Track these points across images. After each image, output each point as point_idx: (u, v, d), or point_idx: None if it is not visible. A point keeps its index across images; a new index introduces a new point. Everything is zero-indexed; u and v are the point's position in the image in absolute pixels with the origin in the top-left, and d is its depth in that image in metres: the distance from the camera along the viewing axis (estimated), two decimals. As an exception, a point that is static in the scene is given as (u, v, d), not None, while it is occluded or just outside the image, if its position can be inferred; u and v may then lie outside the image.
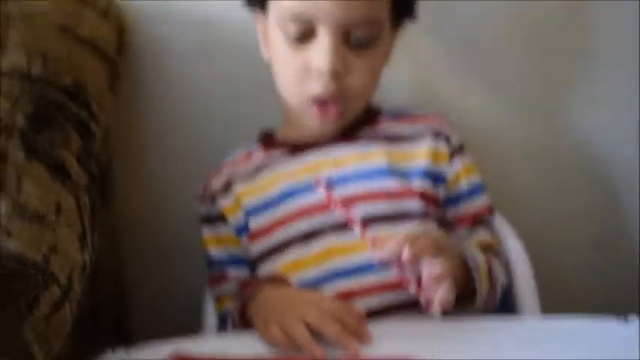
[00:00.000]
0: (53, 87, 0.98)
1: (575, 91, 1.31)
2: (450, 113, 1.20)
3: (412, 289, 0.94)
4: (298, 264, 1.04)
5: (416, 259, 0.93)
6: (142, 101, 1.28)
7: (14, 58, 0.97)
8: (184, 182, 1.24)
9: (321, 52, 1.02)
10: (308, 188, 1.06)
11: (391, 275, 0.96)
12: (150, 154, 1.31)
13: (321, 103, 1.05)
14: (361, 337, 0.91)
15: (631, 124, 1.32)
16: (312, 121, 1.08)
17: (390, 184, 1.07)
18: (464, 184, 1.11)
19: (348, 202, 1.03)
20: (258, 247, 1.08)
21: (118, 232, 1.30)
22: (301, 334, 0.91)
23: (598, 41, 1.29)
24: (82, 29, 1.10)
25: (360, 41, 1.04)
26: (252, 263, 1.08)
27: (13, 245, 0.80)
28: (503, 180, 1.27)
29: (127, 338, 1.20)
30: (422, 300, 0.93)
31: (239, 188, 1.10)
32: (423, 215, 1.06)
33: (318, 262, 1.03)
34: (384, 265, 0.96)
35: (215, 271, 1.11)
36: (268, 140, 1.14)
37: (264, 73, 1.12)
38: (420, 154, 1.10)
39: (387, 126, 1.12)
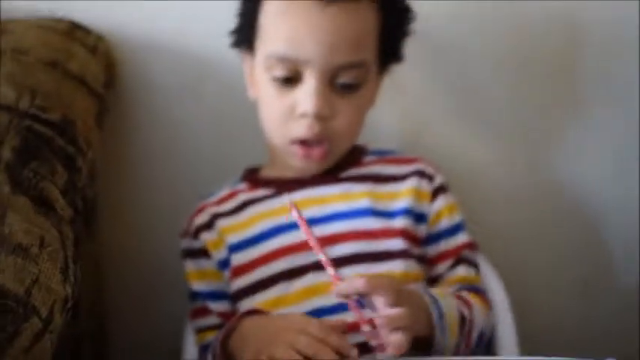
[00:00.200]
0: (41, 121, 0.98)
1: (560, 132, 1.32)
2: (436, 153, 1.21)
3: (365, 329, 0.92)
4: (279, 301, 1.04)
5: (371, 291, 0.91)
6: (129, 135, 1.29)
7: (3, 92, 0.98)
8: (168, 217, 1.24)
9: (307, 95, 1.03)
10: (291, 227, 1.05)
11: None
12: (135, 187, 1.31)
13: (306, 144, 1.06)
14: (344, 351, 0.90)
15: (615, 164, 1.33)
16: (296, 162, 1.08)
17: (372, 223, 1.07)
18: (445, 222, 1.11)
19: (329, 240, 1.04)
20: (239, 283, 1.07)
21: (102, 265, 1.30)
22: None
23: (584, 84, 1.30)
24: (72, 64, 1.11)
25: (346, 84, 1.05)
26: (233, 298, 1.08)
27: (-5, 278, 0.80)
28: (486, 220, 1.28)
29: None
30: (372, 343, 0.91)
31: (223, 224, 1.11)
32: (404, 254, 1.06)
33: (299, 300, 1.03)
34: (344, 303, 0.94)
35: (197, 304, 1.11)
36: (253, 178, 1.15)
37: (250, 112, 1.13)
38: (403, 194, 1.10)
39: (372, 166, 1.13)
